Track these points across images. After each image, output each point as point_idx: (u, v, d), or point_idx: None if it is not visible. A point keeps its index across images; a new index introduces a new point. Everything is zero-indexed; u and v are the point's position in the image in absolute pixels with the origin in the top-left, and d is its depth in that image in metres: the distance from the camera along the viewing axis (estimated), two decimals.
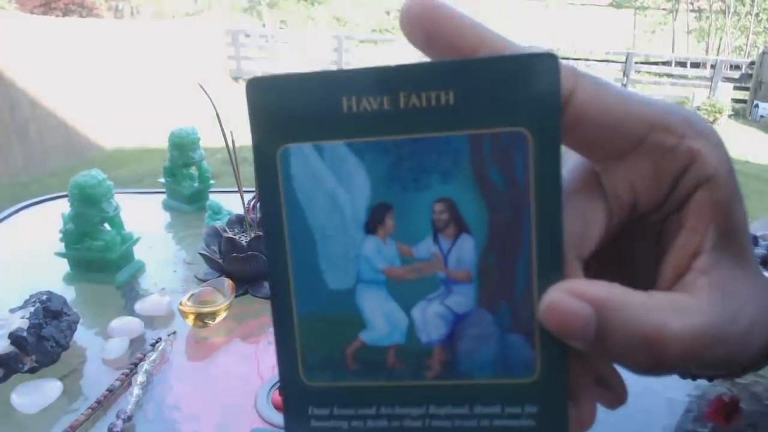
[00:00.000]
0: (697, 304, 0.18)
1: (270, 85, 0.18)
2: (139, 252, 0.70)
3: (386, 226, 0.19)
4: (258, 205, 0.20)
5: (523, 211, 0.18)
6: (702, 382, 0.46)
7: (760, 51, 7.70)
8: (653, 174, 0.19)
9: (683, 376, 0.26)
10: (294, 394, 0.20)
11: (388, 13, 12.46)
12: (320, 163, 0.19)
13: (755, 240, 0.27)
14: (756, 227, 0.45)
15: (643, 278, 0.20)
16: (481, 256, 0.19)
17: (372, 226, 0.19)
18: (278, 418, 0.43)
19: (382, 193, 0.19)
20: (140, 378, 0.46)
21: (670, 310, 0.18)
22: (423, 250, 0.19)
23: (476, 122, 0.18)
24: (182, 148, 0.87)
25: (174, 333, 0.54)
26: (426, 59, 0.19)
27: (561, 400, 0.19)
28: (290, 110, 0.18)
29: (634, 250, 0.22)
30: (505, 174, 0.18)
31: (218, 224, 0.68)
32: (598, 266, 0.20)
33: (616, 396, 0.21)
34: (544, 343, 0.19)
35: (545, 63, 0.17)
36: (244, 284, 0.62)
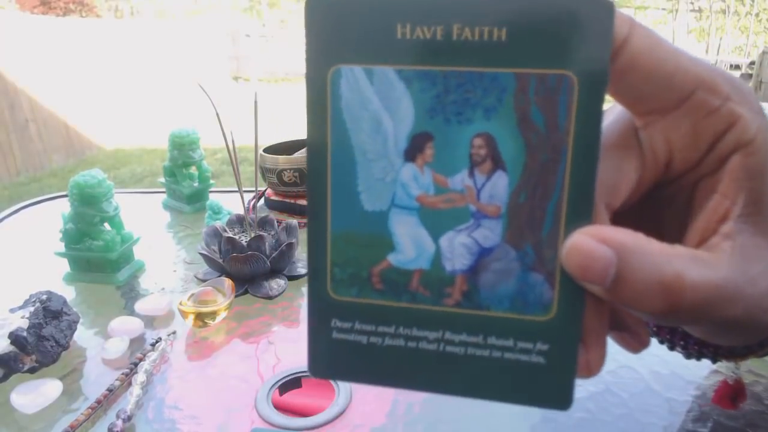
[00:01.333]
0: (717, 261, 0.19)
1: (329, 5, 0.19)
2: (139, 252, 0.70)
3: (425, 155, 0.19)
4: (305, 122, 0.21)
5: (560, 155, 0.18)
6: (703, 381, 0.46)
7: (760, 51, 7.70)
8: (692, 133, 0.19)
9: (688, 354, 0.26)
10: (320, 306, 0.21)
11: None
12: (369, 86, 0.19)
13: None
14: None
15: (669, 241, 0.21)
16: (512, 194, 0.19)
17: (411, 153, 0.19)
18: (278, 418, 0.43)
19: (425, 122, 0.19)
20: (140, 378, 0.46)
21: (691, 261, 0.18)
22: (458, 181, 0.19)
23: (525, 61, 0.18)
24: (182, 148, 0.87)
25: (174, 333, 0.54)
26: None
27: (573, 342, 0.19)
28: (345, 32, 0.19)
29: (664, 215, 0.22)
30: (546, 116, 0.18)
31: (218, 224, 0.68)
32: (627, 226, 0.21)
33: (639, 341, 0.22)
34: (563, 286, 0.19)
35: (600, 9, 0.17)
36: (244, 284, 0.62)
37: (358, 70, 0.19)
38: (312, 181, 0.20)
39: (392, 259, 0.20)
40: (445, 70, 0.18)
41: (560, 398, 0.20)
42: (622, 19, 0.18)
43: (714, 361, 0.26)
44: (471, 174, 0.19)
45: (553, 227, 0.19)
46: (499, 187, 0.19)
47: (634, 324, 0.22)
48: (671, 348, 0.27)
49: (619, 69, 0.19)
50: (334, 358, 0.21)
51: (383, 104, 0.19)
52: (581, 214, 0.18)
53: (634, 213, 0.21)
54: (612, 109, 0.22)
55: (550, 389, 0.20)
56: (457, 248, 0.20)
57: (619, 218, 0.20)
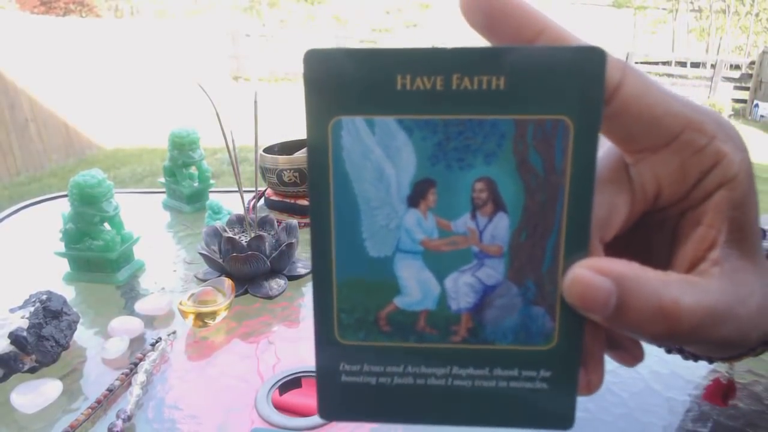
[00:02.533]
0: (709, 285, 0.20)
1: (327, 57, 0.19)
2: (139, 252, 0.70)
3: (428, 201, 0.20)
4: (307, 174, 0.22)
5: (557, 195, 0.19)
6: (702, 381, 0.46)
7: (761, 50, 7.69)
8: (680, 170, 0.21)
9: (685, 357, 0.27)
10: (328, 351, 0.21)
11: (388, 12, 12.46)
12: (370, 136, 0.19)
13: (764, 233, 0.28)
14: (764, 220, 0.45)
15: (656, 266, 0.22)
16: (514, 234, 0.20)
17: (415, 200, 0.20)
18: (278, 418, 0.43)
19: (427, 169, 0.19)
20: (140, 378, 0.46)
21: (686, 286, 0.19)
22: (461, 224, 0.20)
23: (523, 108, 0.19)
24: (182, 148, 0.87)
25: (174, 333, 0.54)
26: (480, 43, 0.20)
27: (573, 366, 0.20)
28: (345, 83, 0.19)
29: (651, 241, 0.24)
30: (544, 159, 0.19)
31: (218, 224, 0.68)
32: (616, 255, 0.21)
33: (633, 356, 0.23)
34: (563, 316, 0.20)
35: (592, 56, 0.18)
36: (244, 284, 0.62)
37: (359, 120, 0.19)
38: (316, 230, 0.20)
39: (398, 302, 0.21)
40: (445, 118, 0.19)
41: (563, 419, 0.21)
42: (615, 65, 0.19)
43: (710, 361, 0.27)
44: (473, 217, 0.20)
45: (553, 263, 0.20)
46: (500, 228, 0.20)
47: (628, 343, 0.23)
48: (668, 351, 0.28)
49: (612, 112, 0.20)
50: (344, 401, 0.22)
51: (385, 153, 0.19)
52: (579, 249, 0.19)
53: (622, 240, 0.22)
54: (603, 146, 0.23)
55: (554, 412, 0.21)
56: (461, 288, 0.20)
57: (609, 246, 0.21)
